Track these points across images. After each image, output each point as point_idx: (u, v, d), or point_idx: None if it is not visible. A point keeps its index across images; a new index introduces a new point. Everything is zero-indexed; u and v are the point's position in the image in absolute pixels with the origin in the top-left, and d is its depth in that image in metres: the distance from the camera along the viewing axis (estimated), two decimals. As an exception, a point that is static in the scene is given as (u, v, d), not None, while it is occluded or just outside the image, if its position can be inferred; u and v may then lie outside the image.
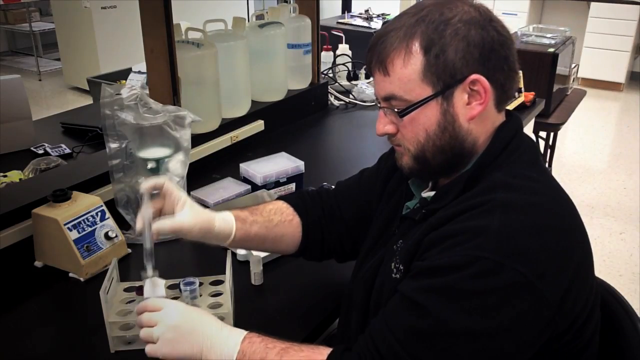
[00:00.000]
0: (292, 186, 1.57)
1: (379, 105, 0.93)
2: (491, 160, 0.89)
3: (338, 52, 2.57)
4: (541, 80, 2.91)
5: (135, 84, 2.17)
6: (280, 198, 1.19)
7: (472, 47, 0.84)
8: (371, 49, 0.90)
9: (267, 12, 2.05)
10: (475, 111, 0.87)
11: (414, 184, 1.01)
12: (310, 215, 1.15)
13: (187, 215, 1.00)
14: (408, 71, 0.86)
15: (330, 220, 1.15)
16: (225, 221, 1.04)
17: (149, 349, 0.90)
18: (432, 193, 0.95)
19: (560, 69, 3.01)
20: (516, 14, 5.77)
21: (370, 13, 4.15)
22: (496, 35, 0.86)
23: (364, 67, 2.55)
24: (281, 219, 1.12)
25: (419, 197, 0.98)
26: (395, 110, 0.89)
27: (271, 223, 1.11)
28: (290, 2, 2.38)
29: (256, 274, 1.21)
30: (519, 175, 0.87)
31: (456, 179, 0.90)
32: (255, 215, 1.09)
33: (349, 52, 2.58)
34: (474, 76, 0.85)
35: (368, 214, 1.12)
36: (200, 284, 1.09)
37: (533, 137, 2.19)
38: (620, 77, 5.69)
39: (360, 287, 1.00)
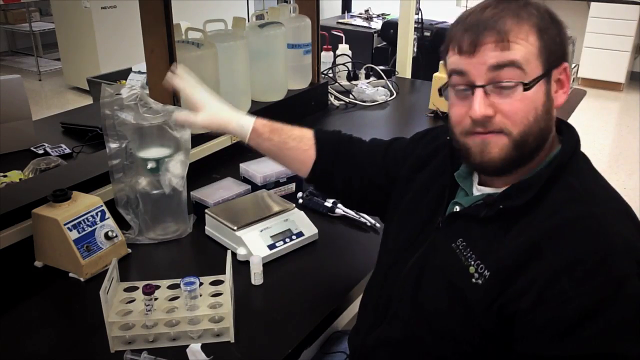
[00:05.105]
0: (292, 186, 1.57)
1: (473, 85, 0.85)
2: (567, 161, 0.87)
3: (338, 52, 2.57)
4: (541, 80, 2.90)
5: (135, 84, 2.17)
6: (317, 131, 1.22)
7: (563, 36, 0.87)
8: (479, 26, 0.83)
9: (267, 12, 2.05)
10: (561, 99, 0.88)
11: (461, 177, 0.97)
12: (325, 154, 1.19)
13: (203, 116, 1.14)
14: (529, 45, 0.83)
15: (345, 166, 1.18)
16: (241, 128, 1.16)
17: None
18: (495, 190, 0.90)
19: (560, 69, 3.00)
20: (516, 14, 5.76)
21: (370, 13, 4.15)
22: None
23: (364, 67, 2.56)
24: (296, 145, 1.18)
25: (471, 194, 0.95)
26: (520, 81, 0.82)
27: (285, 145, 1.18)
28: (290, 2, 2.38)
29: (256, 274, 1.21)
30: (590, 180, 0.87)
31: (534, 178, 0.86)
32: (274, 134, 1.18)
33: (349, 52, 2.58)
34: (565, 64, 0.87)
35: (383, 182, 1.14)
36: (201, 284, 1.09)
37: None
38: (620, 77, 5.69)
39: (407, 283, 0.96)
